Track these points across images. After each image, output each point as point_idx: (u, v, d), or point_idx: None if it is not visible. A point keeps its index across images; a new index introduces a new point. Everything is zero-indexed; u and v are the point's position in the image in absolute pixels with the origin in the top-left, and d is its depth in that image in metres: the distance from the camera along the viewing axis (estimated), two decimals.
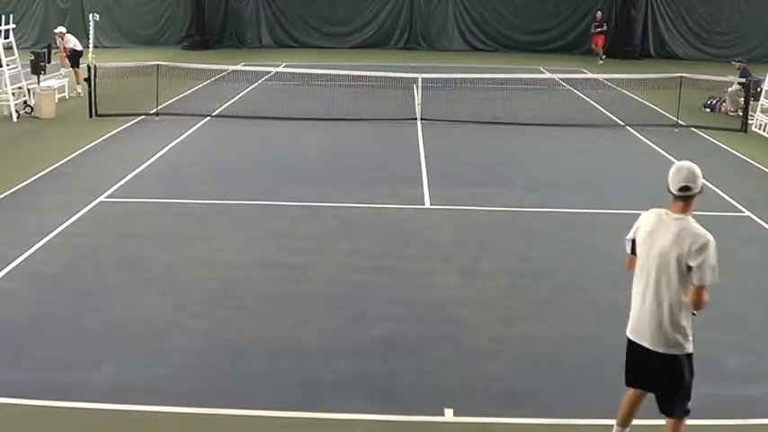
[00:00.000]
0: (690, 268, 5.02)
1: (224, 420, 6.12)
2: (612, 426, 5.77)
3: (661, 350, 5.14)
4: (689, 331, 5.14)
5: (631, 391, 5.52)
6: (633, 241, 5.36)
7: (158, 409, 6.23)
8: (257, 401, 6.36)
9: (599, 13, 31.51)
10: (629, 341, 5.31)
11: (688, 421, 5.49)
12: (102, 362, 6.94)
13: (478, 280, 9.07)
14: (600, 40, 31.38)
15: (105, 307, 8.08)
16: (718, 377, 6.60)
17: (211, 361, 7.05)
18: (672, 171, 5.23)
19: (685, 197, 5.17)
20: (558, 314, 8.21)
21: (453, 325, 7.84)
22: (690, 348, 5.15)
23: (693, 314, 5.16)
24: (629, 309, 5.43)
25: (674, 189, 5.19)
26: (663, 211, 5.25)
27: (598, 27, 31.28)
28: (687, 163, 5.26)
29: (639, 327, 5.22)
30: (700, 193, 5.23)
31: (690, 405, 5.26)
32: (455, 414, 6.24)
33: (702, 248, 5.00)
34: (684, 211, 5.17)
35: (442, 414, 6.23)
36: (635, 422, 5.70)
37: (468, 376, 6.88)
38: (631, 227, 5.47)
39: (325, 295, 8.52)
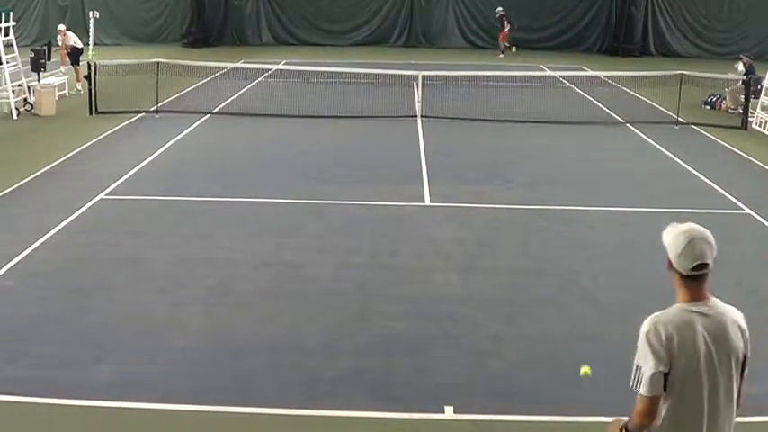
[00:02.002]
0: (744, 361, 3.90)
1: (223, 418, 6.12)
2: (611, 422, 5.74)
3: None
4: None
5: None
6: (666, 374, 3.63)
7: (158, 407, 6.23)
8: (257, 399, 6.36)
9: (499, 9, 31.61)
10: None
11: None
12: (101, 359, 6.94)
13: (478, 277, 9.07)
14: (504, 35, 31.66)
15: (105, 304, 8.09)
16: None
17: (211, 359, 7.06)
18: (677, 242, 3.67)
19: (702, 276, 3.70)
20: (559, 312, 8.20)
21: (453, 322, 7.85)
22: None
23: None
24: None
25: (682, 269, 3.66)
26: (683, 311, 3.70)
27: (503, 22, 31.57)
28: (696, 229, 3.72)
29: None
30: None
31: None
32: (455, 411, 6.24)
33: (746, 330, 3.85)
34: (704, 293, 3.73)
35: (443, 411, 6.23)
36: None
37: (469, 374, 6.88)
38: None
39: (326, 293, 8.52)
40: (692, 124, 18.04)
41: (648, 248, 8.04)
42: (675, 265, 3.68)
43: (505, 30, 31.55)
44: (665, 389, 3.64)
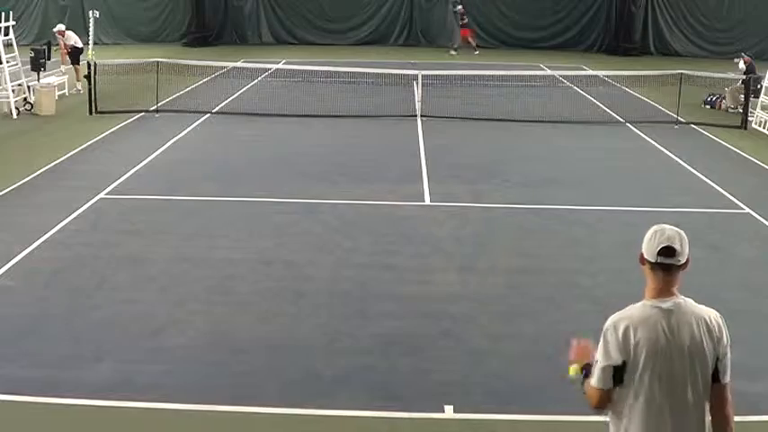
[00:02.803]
0: (717, 363, 3.72)
1: (223, 417, 6.13)
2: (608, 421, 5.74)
3: None
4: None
5: None
6: (617, 367, 3.71)
7: (158, 406, 6.23)
8: (257, 398, 6.36)
9: (459, 7, 31.64)
10: None
11: None
12: (101, 358, 6.95)
13: (478, 277, 9.07)
14: (466, 33, 31.72)
15: (105, 303, 8.09)
16: None
17: (211, 357, 7.06)
18: (649, 233, 3.74)
19: (668, 266, 3.66)
20: (557, 310, 8.21)
21: (453, 322, 7.85)
22: None
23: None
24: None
25: (650, 255, 3.69)
26: (646, 307, 3.72)
27: (461, 21, 31.62)
28: (669, 226, 3.76)
29: None
30: (685, 267, 3.71)
31: None
32: (455, 411, 6.25)
33: (723, 334, 3.73)
34: (671, 290, 3.71)
35: (442, 411, 6.24)
36: None
37: (468, 373, 6.89)
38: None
39: (325, 292, 8.53)
40: (692, 123, 18.04)
41: None
42: (645, 252, 3.72)
43: (467, 28, 31.70)
44: (621, 382, 3.70)
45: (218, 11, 34.02)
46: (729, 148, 15.87)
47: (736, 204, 11.82)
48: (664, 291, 3.71)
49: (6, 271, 8.82)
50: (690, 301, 3.75)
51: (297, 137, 16.14)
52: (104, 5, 30.75)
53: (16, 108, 17.48)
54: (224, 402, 6.28)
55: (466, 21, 31.65)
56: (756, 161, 14.84)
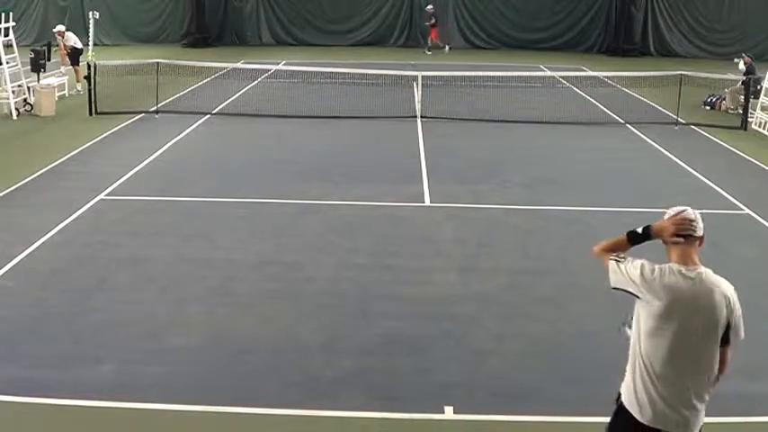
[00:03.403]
0: (728, 329, 4.24)
1: (224, 418, 6.13)
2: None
3: (695, 430, 4.33)
4: (710, 390, 4.38)
5: None
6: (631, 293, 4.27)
7: (158, 407, 6.23)
8: (257, 399, 6.36)
9: (429, 7, 31.69)
10: (643, 428, 4.22)
11: None
12: (101, 359, 6.94)
13: (478, 277, 9.07)
14: (435, 33, 31.81)
15: (105, 304, 8.09)
16: None
17: (211, 358, 7.06)
18: (670, 211, 4.29)
19: (687, 237, 4.17)
20: (558, 311, 8.21)
21: (453, 322, 7.85)
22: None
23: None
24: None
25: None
26: (674, 268, 4.16)
27: (430, 21, 31.71)
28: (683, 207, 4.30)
29: (668, 413, 4.19)
30: (702, 241, 4.23)
31: None
32: (455, 412, 6.24)
33: (736, 304, 4.24)
34: (694, 259, 4.18)
35: (443, 411, 6.24)
36: None
37: (469, 374, 6.89)
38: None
39: (325, 293, 8.52)
40: (692, 124, 18.05)
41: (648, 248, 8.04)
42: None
43: (437, 27, 31.82)
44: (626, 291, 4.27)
45: (218, 12, 34.04)
46: (729, 149, 15.87)
47: (736, 205, 11.82)
48: (686, 259, 4.17)
49: (6, 272, 8.82)
50: (709, 271, 4.21)
51: (297, 138, 16.14)
52: (104, 6, 30.77)
53: (16, 109, 17.48)
54: (224, 403, 6.28)
55: (433, 21, 31.73)
56: (756, 162, 14.84)
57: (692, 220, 4.16)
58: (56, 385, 6.48)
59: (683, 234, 4.15)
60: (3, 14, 17.90)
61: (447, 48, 31.92)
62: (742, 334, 4.33)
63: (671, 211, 4.25)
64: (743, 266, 9.28)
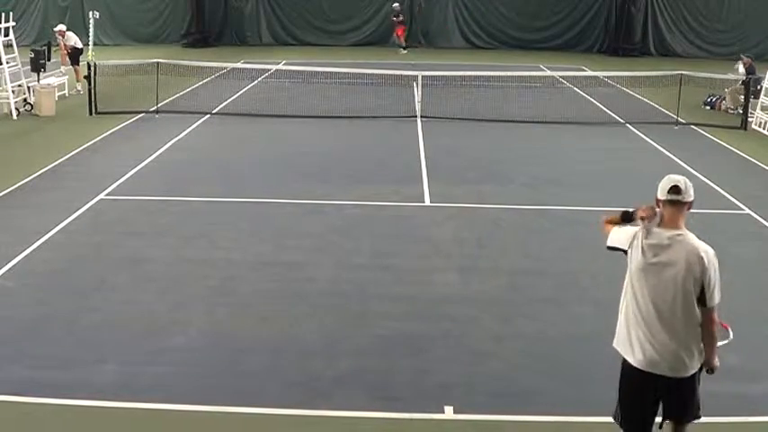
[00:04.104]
0: (703, 289, 4.71)
1: (224, 418, 6.13)
2: (609, 423, 5.76)
3: (681, 375, 4.82)
4: (701, 347, 4.88)
5: None
6: (618, 249, 4.98)
7: (159, 407, 6.23)
8: (258, 399, 6.36)
9: (396, 5, 31.69)
10: (638, 372, 4.83)
11: None
12: (102, 359, 6.94)
13: (478, 277, 9.07)
14: (400, 31, 31.75)
15: (105, 305, 8.09)
16: (718, 375, 6.56)
17: (212, 359, 7.06)
18: (662, 181, 4.85)
19: (675, 202, 4.74)
20: (558, 311, 8.21)
21: (453, 322, 7.85)
22: (700, 362, 4.94)
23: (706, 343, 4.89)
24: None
25: (661, 193, 4.80)
26: (655, 229, 4.80)
27: (397, 18, 31.68)
28: (678, 175, 4.93)
29: (654, 357, 4.77)
30: (690, 206, 4.80)
31: (701, 411, 5.11)
32: (455, 412, 6.24)
33: (713, 265, 4.71)
34: (678, 224, 4.76)
35: (442, 411, 6.24)
36: None
37: (468, 374, 6.89)
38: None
39: (326, 293, 8.53)
40: (692, 124, 18.05)
41: None
42: (658, 194, 4.81)
43: (403, 25, 31.83)
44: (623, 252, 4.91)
45: (218, 12, 34.03)
46: (729, 149, 15.87)
47: (736, 205, 11.82)
48: (672, 222, 4.76)
49: (6, 272, 8.82)
50: (691, 235, 4.76)
51: (297, 138, 16.14)
52: (104, 6, 30.75)
53: (16, 109, 17.48)
54: (225, 403, 6.28)
55: (401, 18, 31.71)
56: (756, 162, 14.84)
57: (679, 186, 4.74)
58: (56, 385, 6.48)
59: (673, 200, 4.74)
60: (3, 14, 17.90)
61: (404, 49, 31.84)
62: (717, 298, 4.73)
63: (661, 181, 4.82)
64: (743, 266, 9.28)
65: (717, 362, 4.90)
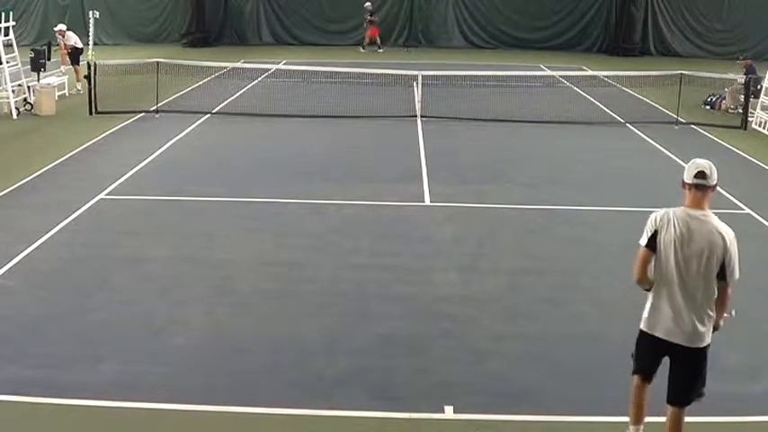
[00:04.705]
0: (723, 266, 5.19)
1: (224, 418, 6.13)
2: (609, 423, 5.77)
3: (694, 345, 5.27)
4: (713, 319, 5.34)
5: (636, 384, 5.56)
6: (653, 236, 5.33)
7: (159, 407, 6.23)
8: (258, 399, 6.36)
9: (368, 4, 31.71)
10: (657, 339, 5.34)
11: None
12: (102, 359, 6.94)
13: (478, 277, 9.07)
14: (373, 32, 31.77)
15: (105, 304, 8.09)
16: (718, 374, 6.57)
17: (212, 358, 7.06)
18: (688, 165, 5.36)
19: (701, 186, 5.24)
20: (558, 311, 8.21)
21: (453, 322, 7.85)
22: (710, 339, 5.36)
23: (728, 315, 5.40)
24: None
25: (688, 177, 5.27)
26: (682, 210, 5.28)
27: (369, 18, 31.71)
28: (704, 159, 5.41)
29: (672, 326, 5.26)
30: (714, 189, 5.32)
31: (705, 390, 5.47)
32: (455, 411, 6.24)
33: (733, 245, 5.20)
34: (703, 205, 5.26)
35: (443, 411, 6.24)
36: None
37: (469, 373, 6.89)
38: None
39: (326, 293, 8.52)
40: (692, 124, 18.05)
41: None
42: (685, 178, 5.30)
43: (375, 25, 31.80)
44: (654, 250, 5.30)
45: (218, 11, 34.02)
46: (729, 149, 15.87)
47: (736, 205, 11.82)
48: (697, 204, 5.25)
49: (6, 272, 8.82)
50: (714, 216, 5.25)
51: (297, 137, 16.14)
52: (105, 6, 30.75)
53: (16, 108, 17.48)
54: (224, 403, 6.28)
55: (373, 19, 31.72)
56: (756, 162, 14.84)
57: (704, 171, 5.23)
58: (55, 385, 6.47)
59: (699, 184, 5.24)
60: (3, 14, 17.90)
61: (366, 48, 31.83)
62: (737, 274, 5.25)
63: (687, 165, 5.33)
64: (743, 266, 9.24)
65: (722, 323, 5.39)
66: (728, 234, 5.19)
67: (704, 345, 5.30)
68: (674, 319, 5.25)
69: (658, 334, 5.33)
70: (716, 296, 5.28)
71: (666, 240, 5.23)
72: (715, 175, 5.28)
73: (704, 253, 5.15)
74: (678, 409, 5.45)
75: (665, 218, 5.29)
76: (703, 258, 5.15)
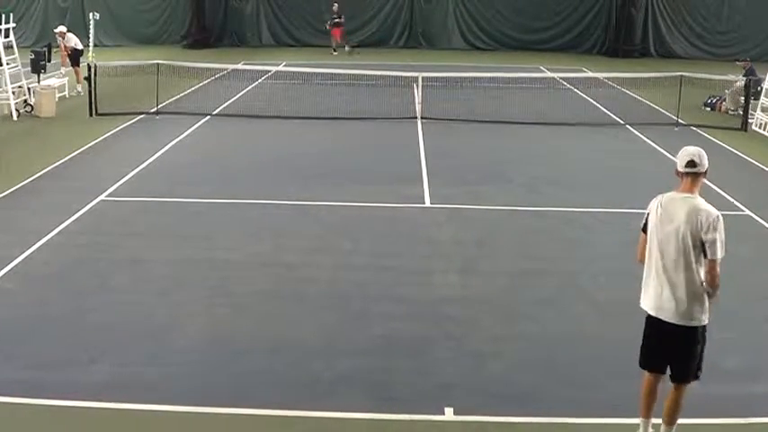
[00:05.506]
0: (703, 244, 5.35)
1: (223, 419, 6.12)
2: (610, 424, 5.77)
3: (682, 323, 5.41)
4: (705, 305, 5.43)
5: (647, 378, 5.68)
6: (646, 221, 5.63)
7: (157, 408, 6.23)
8: (256, 400, 6.35)
9: (335, 6, 31.73)
10: (650, 318, 5.55)
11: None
12: (100, 360, 6.94)
13: (478, 279, 9.07)
14: (337, 33, 31.80)
15: (105, 305, 8.09)
16: (716, 376, 6.59)
17: (210, 359, 7.05)
18: (679, 153, 5.60)
19: (691, 173, 5.52)
20: (558, 313, 8.20)
21: (453, 323, 7.84)
22: (705, 320, 5.46)
23: (709, 294, 5.44)
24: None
25: (680, 166, 5.53)
26: (672, 193, 5.53)
27: (335, 20, 31.71)
28: (694, 146, 5.67)
29: (659, 303, 5.48)
30: (705, 174, 5.57)
31: (701, 373, 5.59)
32: (455, 413, 6.23)
33: (713, 224, 5.34)
34: (692, 189, 5.50)
35: (443, 413, 6.23)
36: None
37: (469, 375, 6.88)
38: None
39: (325, 294, 8.52)
40: (692, 125, 18.04)
41: None
42: (677, 165, 5.57)
43: (341, 27, 31.82)
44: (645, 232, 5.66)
45: (218, 13, 34.04)
46: (729, 150, 15.86)
47: (736, 206, 11.81)
48: (687, 188, 5.53)
49: (6, 273, 8.82)
50: (702, 200, 5.51)
51: (297, 139, 16.14)
52: (105, 7, 30.76)
53: (16, 110, 17.48)
54: (223, 404, 6.27)
55: (338, 20, 31.71)
56: (756, 163, 14.84)
57: (695, 160, 5.52)
58: (55, 386, 6.47)
59: (689, 172, 5.53)
60: (3, 15, 17.90)
61: (348, 48, 31.79)
62: (719, 253, 5.34)
63: (679, 153, 5.60)
64: (742, 267, 9.26)
65: (714, 300, 5.50)
66: (709, 212, 5.38)
67: (695, 324, 5.43)
68: (660, 295, 5.46)
69: (648, 310, 5.55)
70: (701, 279, 5.41)
71: (653, 222, 5.54)
72: (705, 162, 5.57)
73: (680, 229, 5.37)
74: (675, 385, 5.58)
75: (655, 202, 5.60)
76: (679, 235, 5.37)
